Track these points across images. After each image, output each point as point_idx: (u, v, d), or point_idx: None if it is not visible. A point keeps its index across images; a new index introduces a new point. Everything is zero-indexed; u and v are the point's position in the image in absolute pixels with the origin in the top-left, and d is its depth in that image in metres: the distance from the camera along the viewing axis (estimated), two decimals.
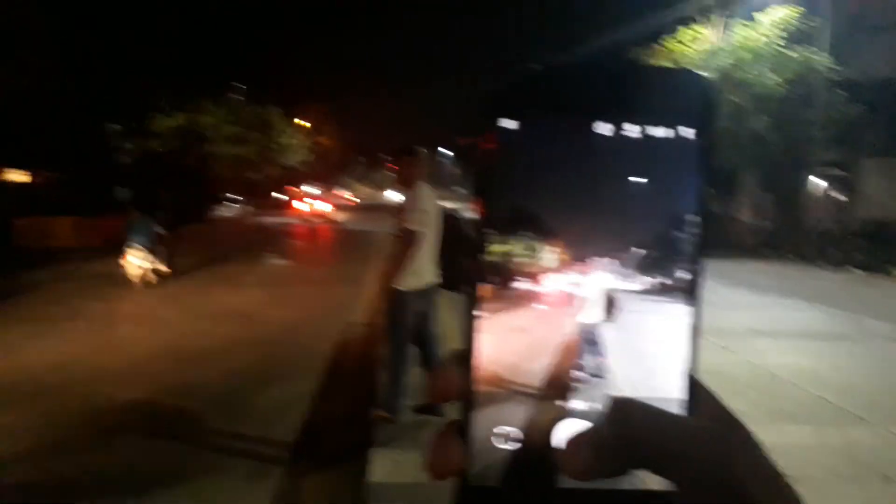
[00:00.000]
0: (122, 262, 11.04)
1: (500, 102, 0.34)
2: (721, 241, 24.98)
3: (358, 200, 54.41)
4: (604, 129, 0.34)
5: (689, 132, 0.34)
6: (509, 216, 0.34)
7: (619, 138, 0.34)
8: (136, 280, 10.96)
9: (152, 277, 11.25)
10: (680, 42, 21.86)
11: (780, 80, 19.32)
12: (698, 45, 21.51)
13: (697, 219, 0.34)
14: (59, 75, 20.70)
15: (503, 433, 0.34)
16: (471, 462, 0.34)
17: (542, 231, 0.34)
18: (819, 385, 5.90)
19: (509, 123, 0.34)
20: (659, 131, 0.34)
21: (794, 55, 19.44)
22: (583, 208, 0.34)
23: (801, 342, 7.76)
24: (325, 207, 37.42)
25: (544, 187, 0.34)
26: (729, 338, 7.78)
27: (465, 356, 0.34)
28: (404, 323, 4.54)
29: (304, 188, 45.57)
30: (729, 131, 19.85)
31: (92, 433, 4.71)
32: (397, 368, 4.58)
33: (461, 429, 0.34)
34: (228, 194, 39.62)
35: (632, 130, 0.34)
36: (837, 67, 19.36)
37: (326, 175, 65.82)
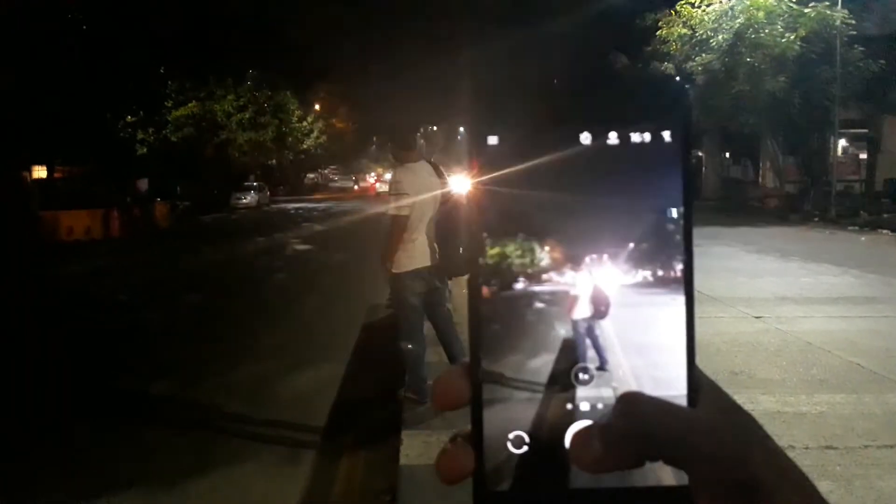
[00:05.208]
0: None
1: (483, 121, 0.37)
2: (745, 207, 24.63)
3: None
4: (586, 138, 0.36)
5: (668, 133, 0.36)
6: (502, 220, 0.36)
7: (602, 144, 0.36)
8: None
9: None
10: (692, 4, 21.29)
11: (795, 38, 18.77)
12: (710, 7, 20.95)
13: (683, 210, 0.36)
14: (73, 67, 20.80)
15: (516, 437, 0.35)
16: (484, 467, 0.35)
17: (535, 232, 0.36)
18: (852, 351, 5.79)
19: (492, 139, 0.36)
20: (640, 136, 0.36)
21: (808, 11, 18.87)
22: (573, 208, 0.36)
23: (831, 308, 7.62)
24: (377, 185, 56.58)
25: (534, 191, 0.36)
26: (758, 306, 7.67)
27: (470, 361, 0.36)
28: (409, 305, 4.51)
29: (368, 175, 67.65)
30: (746, 95, 19.41)
31: (125, 423, 4.78)
32: (413, 351, 4.58)
33: (473, 434, 0.35)
34: (247, 183, 39.79)
35: (613, 137, 0.36)
36: (853, 22, 18.78)
37: (343, 158, 65.73)
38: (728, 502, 0.31)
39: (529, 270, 0.36)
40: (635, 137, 0.36)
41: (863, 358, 5.58)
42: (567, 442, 0.35)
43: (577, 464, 0.33)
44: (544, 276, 0.36)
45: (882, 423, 4.24)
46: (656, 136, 0.36)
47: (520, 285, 0.36)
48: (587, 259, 0.36)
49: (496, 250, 0.36)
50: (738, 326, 6.75)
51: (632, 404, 0.34)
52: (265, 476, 3.94)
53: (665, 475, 0.33)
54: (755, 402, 4.52)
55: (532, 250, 0.36)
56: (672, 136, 0.36)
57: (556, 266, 0.36)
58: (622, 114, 0.36)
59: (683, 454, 0.32)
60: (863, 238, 15.62)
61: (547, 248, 0.36)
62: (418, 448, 3.95)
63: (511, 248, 0.36)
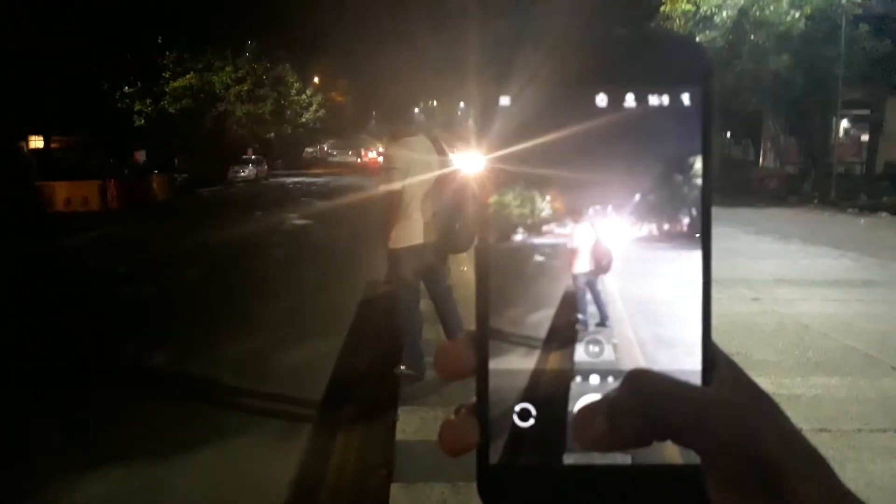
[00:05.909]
0: None
1: (495, 80, 0.34)
2: (745, 188, 24.53)
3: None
4: (601, 100, 0.34)
5: (687, 93, 0.34)
6: (503, 169, 0.34)
7: (616, 102, 0.34)
8: None
9: None
10: None
11: (801, 15, 18.56)
12: None
13: (700, 159, 0.34)
14: (70, 37, 20.52)
15: (522, 410, 0.34)
16: (488, 440, 0.34)
17: (536, 181, 0.34)
18: (849, 334, 5.81)
19: (504, 100, 0.34)
20: (659, 97, 0.34)
21: None
22: (578, 158, 0.34)
23: (829, 290, 7.63)
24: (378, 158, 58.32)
25: (539, 144, 0.34)
26: (756, 287, 7.68)
27: (477, 328, 0.34)
28: (406, 282, 4.51)
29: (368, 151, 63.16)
30: (749, 73, 19.24)
31: (121, 395, 4.79)
32: (410, 327, 4.58)
33: (477, 406, 0.34)
34: (246, 156, 39.55)
35: (629, 99, 0.34)
36: (859, 0, 18.58)
37: (341, 132, 65.29)
38: (741, 483, 0.30)
39: (529, 221, 0.35)
40: (656, 97, 0.34)
41: (859, 341, 5.60)
42: (571, 416, 0.34)
43: (581, 440, 0.32)
44: (545, 228, 0.35)
45: (876, 406, 4.26)
46: (676, 94, 0.34)
47: (519, 237, 0.35)
48: (590, 210, 0.34)
49: (494, 199, 0.34)
50: (735, 307, 6.75)
51: (641, 382, 0.32)
52: (261, 449, 3.95)
53: (673, 453, 0.32)
54: None
55: (532, 200, 0.34)
56: (691, 96, 0.34)
57: (559, 217, 0.35)
58: (644, 71, 0.34)
59: (694, 435, 0.30)
60: (862, 221, 15.61)
61: (550, 198, 0.34)
62: (415, 424, 3.97)
63: (510, 198, 0.34)
